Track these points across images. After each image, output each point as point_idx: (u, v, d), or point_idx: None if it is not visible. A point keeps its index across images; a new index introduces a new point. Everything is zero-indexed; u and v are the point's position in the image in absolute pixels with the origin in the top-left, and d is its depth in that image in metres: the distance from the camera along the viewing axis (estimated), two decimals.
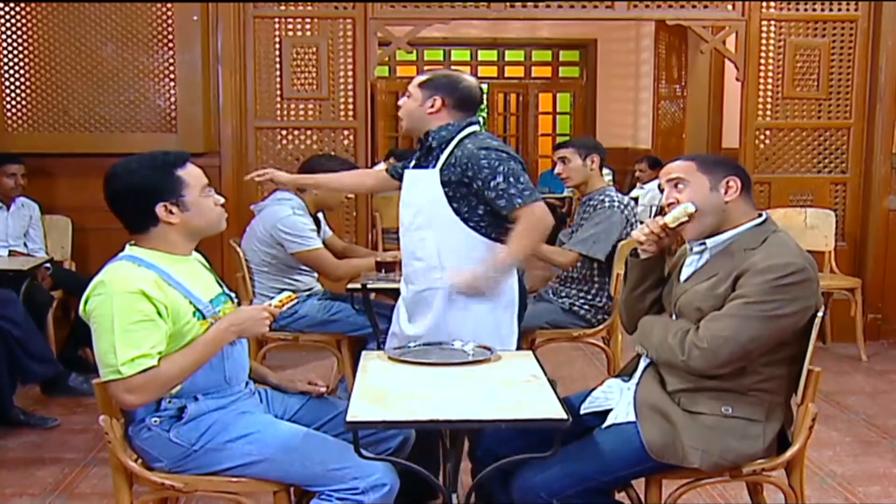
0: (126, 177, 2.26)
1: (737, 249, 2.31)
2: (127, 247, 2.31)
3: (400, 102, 2.98)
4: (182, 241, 2.32)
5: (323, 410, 2.50)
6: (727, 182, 2.34)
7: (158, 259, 2.26)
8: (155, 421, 2.24)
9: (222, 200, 2.39)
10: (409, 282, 2.97)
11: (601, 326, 3.97)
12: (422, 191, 2.89)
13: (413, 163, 3.00)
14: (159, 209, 2.25)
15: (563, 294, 3.99)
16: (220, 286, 2.44)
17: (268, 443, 2.26)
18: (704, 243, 2.37)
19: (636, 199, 6.73)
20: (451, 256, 2.85)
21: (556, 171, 4.07)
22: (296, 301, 2.48)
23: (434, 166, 2.86)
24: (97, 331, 2.16)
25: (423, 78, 2.95)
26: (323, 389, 2.54)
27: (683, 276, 2.42)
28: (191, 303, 2.24)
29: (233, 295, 2.48)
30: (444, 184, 2.82)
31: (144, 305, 2.15)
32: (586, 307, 3.94)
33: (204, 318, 2.26)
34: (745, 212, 2.36)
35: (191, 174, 2.30)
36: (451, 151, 2.84)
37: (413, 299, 2.94)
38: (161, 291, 2.18)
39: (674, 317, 2.42)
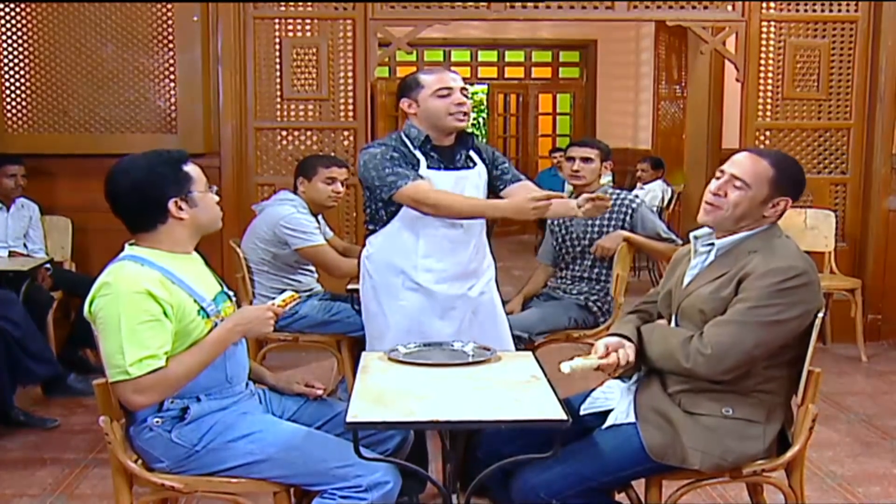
0: (136, 173, 2.26)
1: (741, 251, 2.31)
2: (126, 246, 2.31)
3: (468, 102, 3.00)
4: (187, 238, 2.33)
5: (321, 411, 2.50)
6: (779, 201, 2.32)
7: (160, 258, 2.26)
8: (157, 421, 2.25)
9: (218, 199, 2.40)
10: (466, 279, 3.07)
11: (601, 327, 3.97)
12: (482, 189, 3.07)
13: (436, 164, 3.01)
14: (171, 205, 2.26)
15: (576, 291, 4.01)
16: (220, 285, 2.45)
17: (270, 442, 2.26)
18: (713, 243, 2.37)
19: None
20: (485, 251, 3.16)
21: (572, 167, 4.05)
22: (298, 301, 2.48)
23: (475, 165, 3.06)
24: (104, 332, 2.17)
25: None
26: (320, 392, 2.54)
27: (688, 279, 2.41)
28: (195, 301, 2.25)
29: (231, 294, 2.48)
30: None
31: (151, 305, 2.15)
32: (599, 303, 3.97)
33: (208, 316, 2.27)
34: (768, 221, 2.34)
35: (194, 170, 2.32)
36: (473, 150, 3.11)
37: (478, 299, 3.09)
38: (166, 291, 2.19)
39: (674, 320, 2.41)
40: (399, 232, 2.99)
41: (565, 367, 2.24)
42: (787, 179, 2.33)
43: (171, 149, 2.37)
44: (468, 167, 3.06)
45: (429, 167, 2.96)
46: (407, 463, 2.31)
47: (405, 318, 3.01)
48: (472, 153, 3.09)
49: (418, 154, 2.97)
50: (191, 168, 2.31)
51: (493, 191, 3.17)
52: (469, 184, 3.03)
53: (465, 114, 2.95)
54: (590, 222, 4.01)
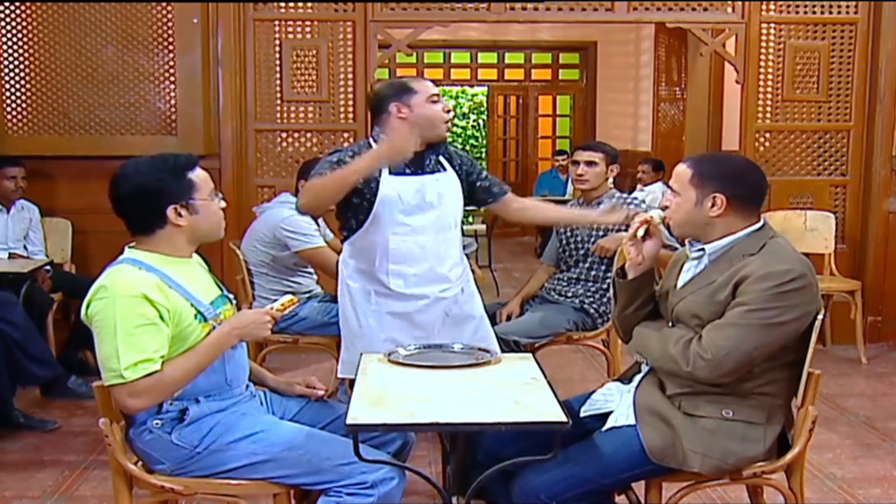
0: (137, 177, 2.26)
1: (735, 255, 2.31)
2: (126, 249, 2.31)
3: (449, 108, 3.07)
4: (186, 243, 2.33)
5: (322, 413, 2.50)
6: (713, 198, 2.31)
7: (159, 261, 2.26)
8: (156, 423, 2.25)
9: (224, 205, 2.39)
10: (438, 282, 3.10)
11: (601, 329, 3.97)
12: (453, 193, 3.10)
13: (401, 170, 3.01)
14: (170, 211, 2.25)
15: (570, 294, 4.01)
16: (220, 288, 2.45)
17: (273, 442, 2.27)
18: (703, 249, 2.37)
19: None
20: (458, 254, 3.18)
21: (577, 171, 4.04)
22: (296, 304, 2.48)
23: (445, 169, 3.08)
24: (100, 335, 2.17)
25: None
26: (321, 392, 2.54)
27: (681, 283, 2.42)
28: (192, 305, 2.25)
29: (231, 297, 2.48)
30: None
31: (147, 309, 2.15)
32: (595, 305, 3.96)
33: (205, 320, 2.27)
34: (740, 221, 2.34)
35: (200, 177, 2.31)
36: (444, 154, 3.11)
37: (452, 300, 3.13)
38: (163, 294, 2.19)
39: (671, 324, 2.41)
40: (370, 238, 3.03)
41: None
42: (707, 176, 2.34)
43: (182, 153, 2.35)
44: (437, 171, 3.09)
45: (391, 173, 2.97)
46: (407, 465, 2.31)
47: (378, 323, 3.07)
48: (441, 158, 3.11)
49: None
50: (196, 174, 2.30)
51: (481, 204, 3.28)
52: (438, 187, 3.06)
53: (451, 121, 3.05)
54: (595, 225, 4.00)
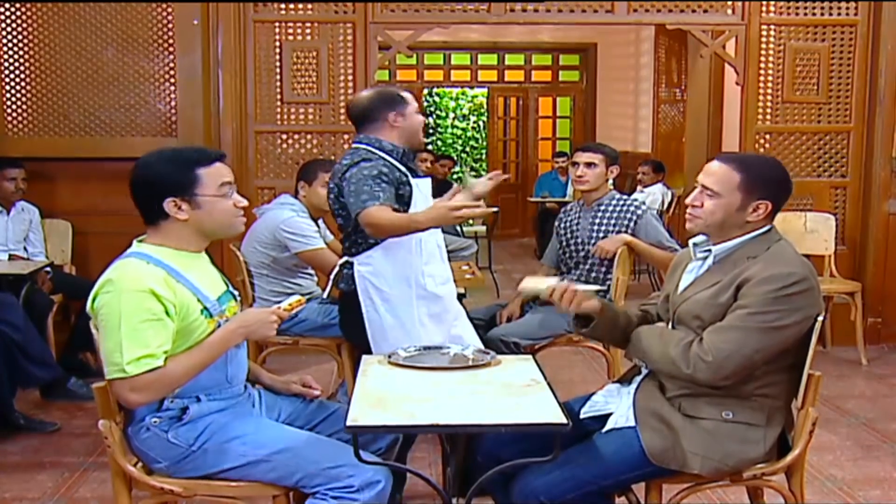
0: (144, 168, 2.28)
1: (739, 257, 2.31)
2: (134, 243, 2.31)
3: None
4: (194, 238, 2.32)
5: (317, 412, 2.51)
6: (757, 205, 2.31)
7: (167, 255, 2.26)
8: (154, 421, 2.25)
9: (244, 202, 2.36)
10: (451, 280, 3.23)
11: None
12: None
13: (412, 174, 3.15)
14: (167, 204, 2.25)
15: None
16: (226, 284, 2.44)
17: (263, 444, 2.27)
18: (710, 250, 2.37)
19: None
20: None
21: (576, 173, 4.05)
22: (304, 305, 2.48)
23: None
24: (104, 329, 2.17)
25: None
26: (317, 393, 2.54)
27: (684, 284, 2.42)
28: (199, 300, 2.25)
29: (236, 293, 2.48)
30: None
31: (153, 304, 2.15)
32: None
33: (211, 316, 2.27)
34: (764, 224, 2.35)
35: (211, 173, 2.28)
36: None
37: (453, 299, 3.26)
38: (170, 289, 2.18)
39: (671, 325, 2.41)
40: (404, 242, 3.04)
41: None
42: (757, 182, 2.32)
43: (205, 148, 2.36)
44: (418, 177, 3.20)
45: (414, 176, 3.11)
46: (407, 467, 2.31)
47: (422, 327, 3.07)
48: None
49: (401, 166, 3.08)
50: (206, 170, 2.27)
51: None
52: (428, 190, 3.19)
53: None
54: (595, 227, 4.01)
